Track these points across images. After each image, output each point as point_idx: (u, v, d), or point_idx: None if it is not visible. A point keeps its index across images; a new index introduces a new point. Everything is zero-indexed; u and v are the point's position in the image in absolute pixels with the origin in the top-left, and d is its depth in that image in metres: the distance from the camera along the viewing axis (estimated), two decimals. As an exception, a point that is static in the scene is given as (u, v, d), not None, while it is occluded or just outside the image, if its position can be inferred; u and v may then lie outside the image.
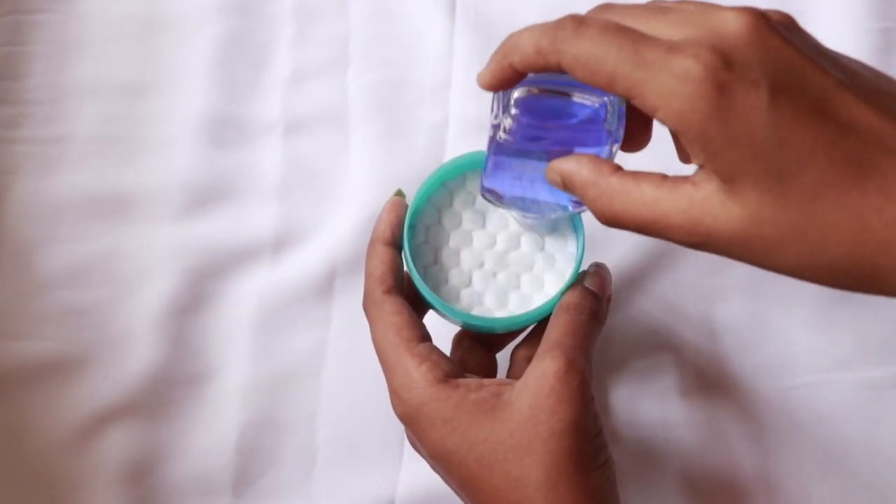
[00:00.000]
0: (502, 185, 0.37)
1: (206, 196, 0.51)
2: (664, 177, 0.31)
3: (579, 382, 0.35)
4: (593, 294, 0.38)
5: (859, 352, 0.49)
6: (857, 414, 0.48)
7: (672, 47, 0.28)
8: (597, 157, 0.33)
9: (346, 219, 0.51)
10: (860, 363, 0.49)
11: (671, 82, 0.28)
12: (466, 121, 0.52)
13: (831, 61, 0.29)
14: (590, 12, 0.32)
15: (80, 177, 0.52)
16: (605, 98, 0.33)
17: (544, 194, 0.36)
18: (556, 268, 0.40)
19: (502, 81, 0.32)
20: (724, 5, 0.30)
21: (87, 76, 0.53)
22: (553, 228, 0.41)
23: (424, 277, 0.39)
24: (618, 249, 0.50)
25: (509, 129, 0.33)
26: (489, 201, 0.38)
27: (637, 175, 0.31)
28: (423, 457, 0.38)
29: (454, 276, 0.40)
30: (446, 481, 0.38)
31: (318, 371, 0.50)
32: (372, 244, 0.39)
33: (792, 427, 0.48)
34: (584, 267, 0.40)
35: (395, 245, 0.39)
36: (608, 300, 0.40)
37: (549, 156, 0.34)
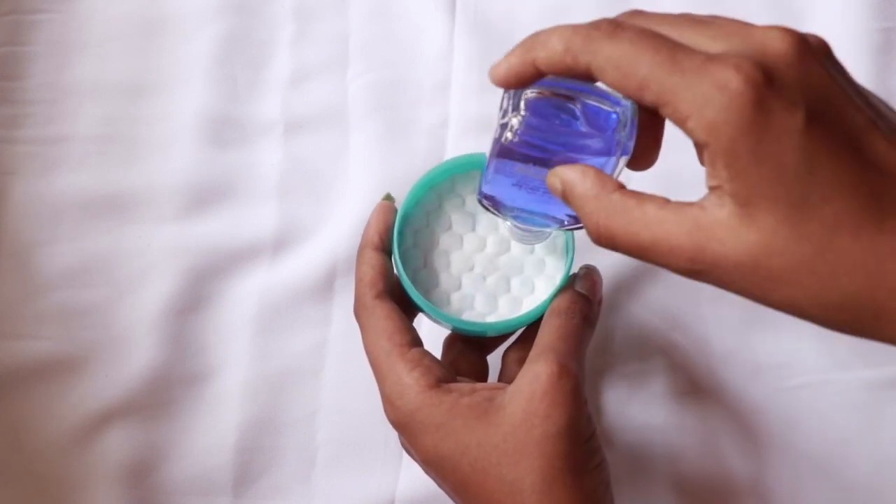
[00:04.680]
0: (502, 192, 0.35)
1: (206, 196, 0.51)
2: (668, 200, 0.29)
3: (572, 386, 0.35)
4: (584, 297, 0.38)
5: (859, 352, 0.49)
6: (857, 414, 0.48)
7: (712, 57, 0.27)
8: (602, 171, 0.31)
9: (345, 218, 0.51)
10: (860, 363, 0.49)
11: (708, 91, 0.27)
12: (466, 121, 0.52)
13: (862, 97, 0.28)
14: (621, 16, 0.30)
15: (80, 177, 0.52)
16: (619, 108, 0.32)
17: (542, 206, 0.35)
18: (546, 271, 0.40)
19: (520, 79, 0.31)
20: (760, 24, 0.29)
21: (87, 76, 0.53)
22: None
23: (414, 281, 0.39)
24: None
25: (517, 130, 0.32)
26: (486, 209, 0.37)
27: (640, 195, 0.30)
28: (417, 462, 0.38)
29: (444, 280, 0.40)
30: (441, 486, 0.38)
31: (317, 371, 0.50)
32: (361, 249, 0.39)
33: (792, 427, 0.48)
34: (575, 270, 0.39)
35: (385, 250, 0.39)
36: (599, 303, 0.40)
37: (554, 164, 0.32)
